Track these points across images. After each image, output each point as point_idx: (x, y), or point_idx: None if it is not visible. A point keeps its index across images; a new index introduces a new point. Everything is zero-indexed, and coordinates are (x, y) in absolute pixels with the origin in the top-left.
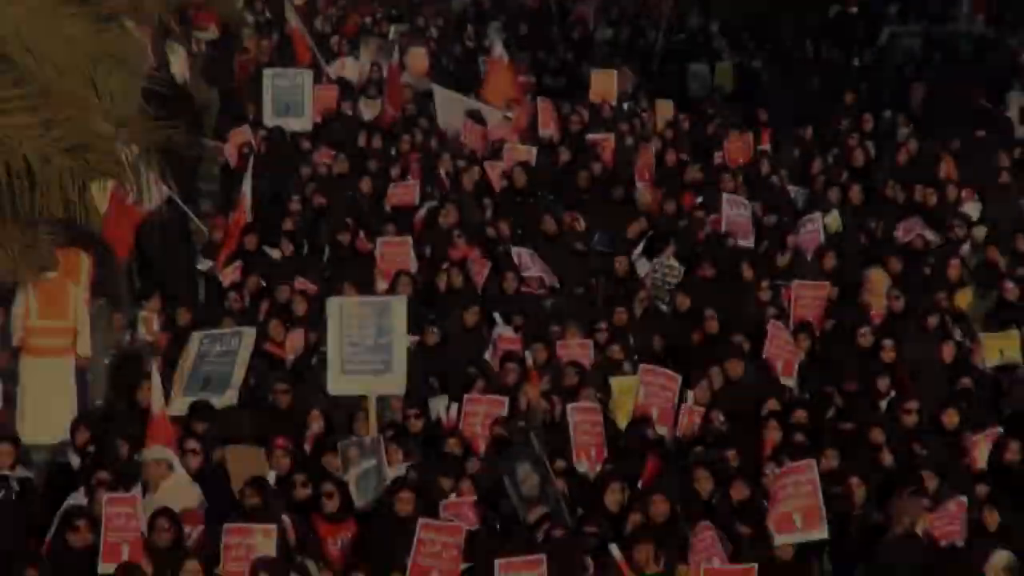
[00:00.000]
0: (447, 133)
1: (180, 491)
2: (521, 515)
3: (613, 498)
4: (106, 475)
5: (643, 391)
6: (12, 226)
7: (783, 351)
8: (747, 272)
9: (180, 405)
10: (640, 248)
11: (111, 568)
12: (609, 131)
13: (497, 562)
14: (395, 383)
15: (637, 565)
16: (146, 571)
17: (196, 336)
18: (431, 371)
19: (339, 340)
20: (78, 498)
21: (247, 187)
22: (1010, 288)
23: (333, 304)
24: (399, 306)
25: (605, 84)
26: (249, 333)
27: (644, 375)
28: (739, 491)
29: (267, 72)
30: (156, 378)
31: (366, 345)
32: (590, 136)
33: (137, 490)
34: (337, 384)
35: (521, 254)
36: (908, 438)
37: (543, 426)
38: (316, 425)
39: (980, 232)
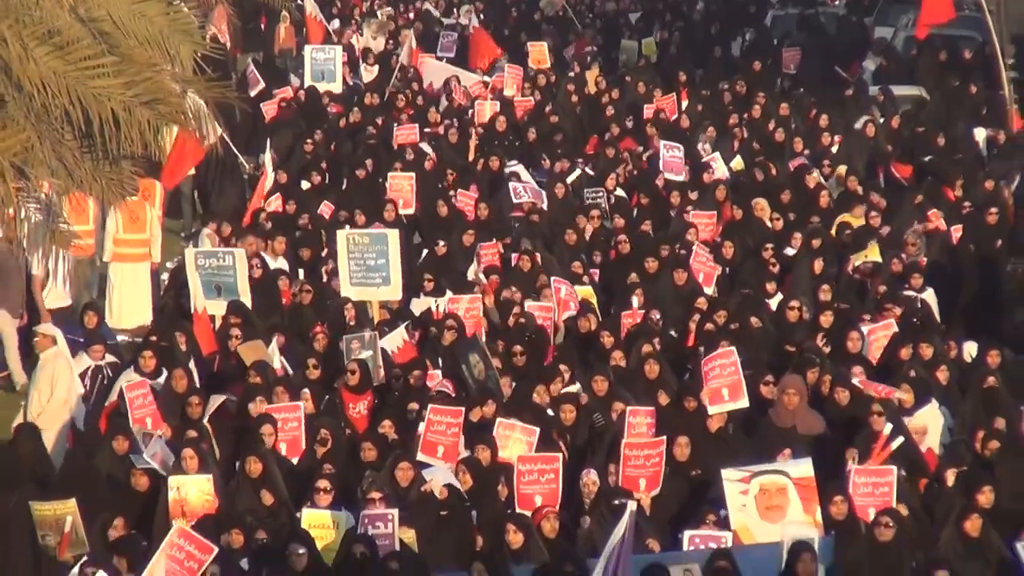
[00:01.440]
0: (434, 92)
1: (57, 361)
2: (473, 390)
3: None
4: (151, 354)
5: (564, 291)
6: (103, 161)
7: (704, 266)
8: (674, 199)
9: (209, 306)
10: (571, 179)
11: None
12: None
13: (500, 421)
14: (393, 293)
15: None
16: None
17: (191, 253)
18: (435, 275)
19: (346, 260)
20: (130, 375)
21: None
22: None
23: (340, 235)
24: (393, 236)
25: (539, 54)
26: (240, 253)
27: (555, 283)
28: (652, 370)
29: (308, 47)
30: (196, 282)
31: (368, 265)
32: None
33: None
34: (345, 290)
35: (515, 187)
36: (790, 330)
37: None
38: (350, 315)
39: (842, 168)
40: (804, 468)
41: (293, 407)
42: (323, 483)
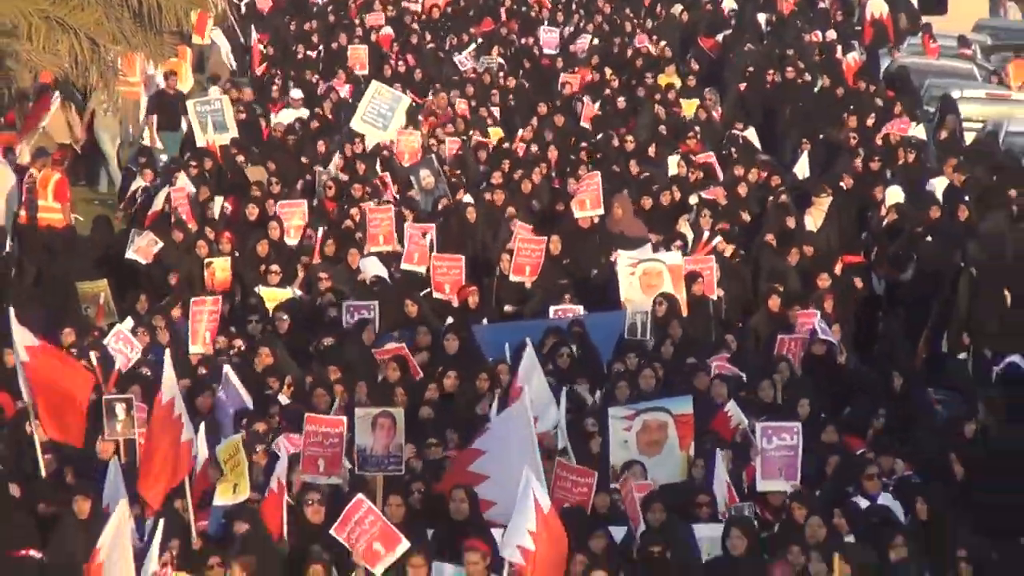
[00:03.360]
0: None
1: None
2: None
3: None
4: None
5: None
6: (150, 33)
7: (590, 109)
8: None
9: (208, 139)
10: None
11: None
12: None
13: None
14: (389, 136)
15: None
16: None
17: (191, 103)
18: None
19: (367, 102)
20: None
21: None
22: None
23: (374, 83)
24: (405, 102)
25: None
26: (225, 98)
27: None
28: (526, 187)
29: None
30: (197, 124)
31: (380, 112)
32: None
33: None
34: (355, 123)
35: (459, 58)
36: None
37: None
38: (320, 149)
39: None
40: (675, 257)
41: (298, 203)
42: (274, 267)
